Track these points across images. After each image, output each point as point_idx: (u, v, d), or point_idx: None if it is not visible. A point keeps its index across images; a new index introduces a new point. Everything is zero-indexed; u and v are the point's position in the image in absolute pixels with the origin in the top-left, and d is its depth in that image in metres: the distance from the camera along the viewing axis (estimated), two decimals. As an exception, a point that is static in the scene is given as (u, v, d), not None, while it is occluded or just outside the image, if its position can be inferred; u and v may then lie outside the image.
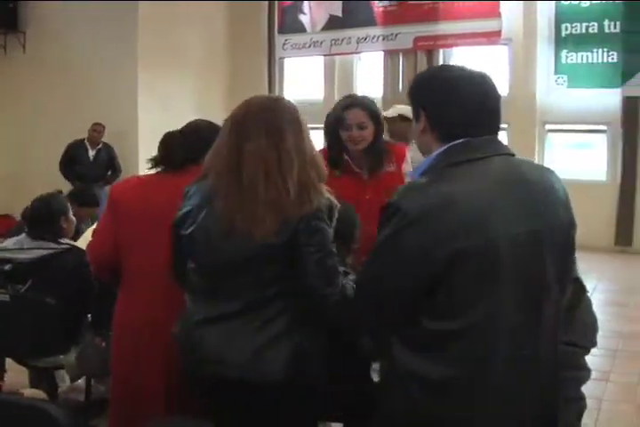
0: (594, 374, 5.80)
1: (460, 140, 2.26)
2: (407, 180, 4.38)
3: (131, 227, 3.43)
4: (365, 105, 4.34)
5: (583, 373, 3.37)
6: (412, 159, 4.42)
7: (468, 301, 2.13)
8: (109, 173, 11.92)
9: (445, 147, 2.27)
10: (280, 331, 2.74)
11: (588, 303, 3.42)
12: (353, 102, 4.37)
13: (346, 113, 4.33)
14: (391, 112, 6.65)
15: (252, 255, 2.71)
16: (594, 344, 3.44)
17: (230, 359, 2.74)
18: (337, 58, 14.43)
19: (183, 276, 2.96)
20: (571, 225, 2.35)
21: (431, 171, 2.27)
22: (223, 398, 2.85)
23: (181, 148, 3.48)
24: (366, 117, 4.31)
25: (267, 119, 2.79)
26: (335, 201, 2.79)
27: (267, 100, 2.94)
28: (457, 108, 2.28)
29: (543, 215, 2.23)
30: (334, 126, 4.41)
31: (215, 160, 2.82)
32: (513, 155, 2.36)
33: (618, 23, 12.21)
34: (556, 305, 2.29)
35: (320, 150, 4.47)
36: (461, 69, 2.39)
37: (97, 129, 11.85)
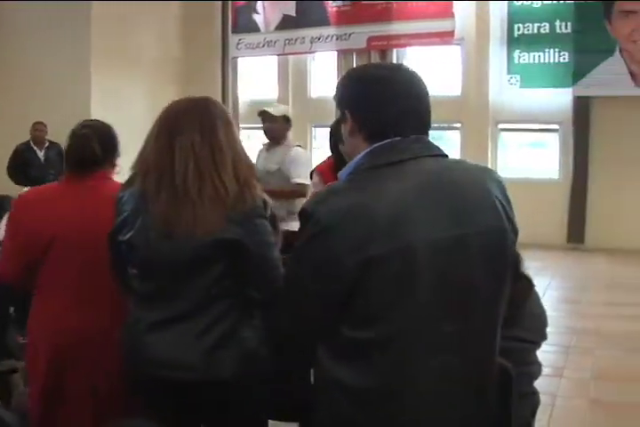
0: (548, 371, 5.89)
1: (384, 142, 2.15)
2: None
3: (40, 243, 3.27)
4: None
5: (534, 367, 3.41)
6: None
7: (385, 309, 2.04)
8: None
9: (369, 148, 2.17)
10: (228, 330, 2.74)
11: (537, 297, 3.45)
12: None
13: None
14: (275, 110, 6.55)
15: (196, 255, 2.69)
16: (544, 338, 3.48)
17: (181, 362, 2.71)
18: (291, 57, 14.46)
19: (126, 283, 2.93)
20: (505, 228, 2.19)
21: (354, 173, 2.18)
22: (172, 400, 2.82)
23: (95, 149, 3.41)
24: None
25: (198, 117, 2.78)
26: (267, 197, 2.81)
27: (196, 99, 2.91)
28: (382, 108, 2.17)
29: (471, 219, 2.11)
30: (334, 141, 4.31)
31: (146, 161, 2.79)
32: (445, 155, 2.24)
33: (569, 23, 12.40)
34: (490, 310, 2.19)
35: (326, 159, 4.43)
36: (388, 68, 2.31)
37: (38, 128, 11.56)
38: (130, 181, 2.84)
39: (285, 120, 6.49)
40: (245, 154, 2.89)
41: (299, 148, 6.71)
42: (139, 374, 2.84)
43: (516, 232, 2.25)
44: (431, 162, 2.17)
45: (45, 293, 3.31)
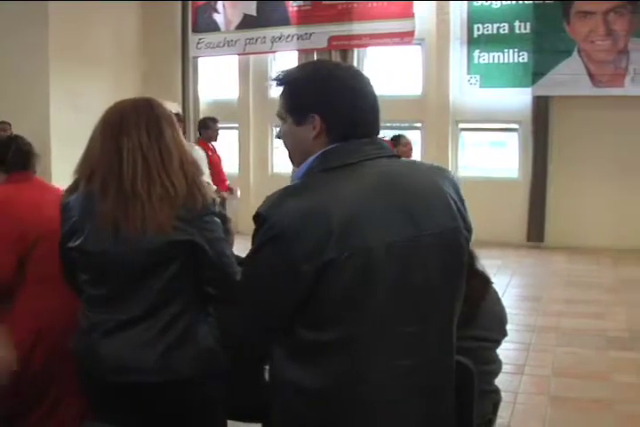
0: (509, 368, 5.94)
1: (336, 144, 2.13)
2: None
3: (26, 242, 3.27)
4: None
5: (494, 366, 3.44)
6: None
7: (342, 311, 2.02)
8: None
9: (322, 150, 2.14)
10: (184, 329, 2.74)
11: (495, 295, 3.48)
12: None
13: None
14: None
15: (149, 258, 2.69)
16: (504, 335, 3.51)
17: (138, 366, 2.71)
18: (251, 57, 14.40)
19: (77, 289, 2.91)
20: (459, 228, 2.18)
21: (306, 176, 2.16)
22: (130, 405, 2.80)
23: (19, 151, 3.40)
24: None
25: (144, 117, 2.78)
26: (216, 195, 2.86)
27: (138, 99, 2.90)
28: (331, 110, 2.14)
29: (426, 220, 2.10)
30: None
31: (90, 165, 2.77)
32: (397, 157, 2.25)
33: (528, 24, 12.48)
34: (448, 310, 2.20)
35: None
36: (337, 68, 2.24)
37: (2, 128, 11.51)
38: (74, 186, 2.81)
39: (178, 119, 6.37)
40: (191, 154, 2.90)
41: (197, 147, 6.64)
42: (96, 380, 2.82)
43: (469, 231, 2.25)
44: (385, 163, 2.16)
45: (30, 291, 3.30)
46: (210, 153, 9.97)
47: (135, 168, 2.69)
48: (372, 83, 2.22)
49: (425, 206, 2.12)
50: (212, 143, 10.34)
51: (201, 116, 14.47)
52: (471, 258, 3.25)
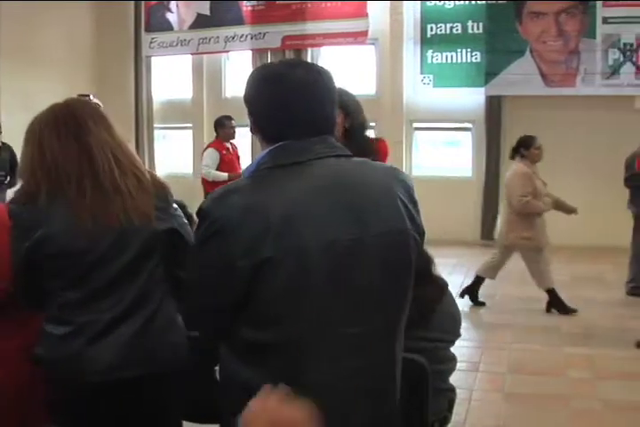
0: (464, 366, 5.98)
1: (284, 142, 2.13)
2: None
3: None
4: None
5: (449, 364, 3.45)
6: None
7: (281, 311, 2.02)
8: None
9: (268, 149, 2.15)
10: (168, 317, 2.75)
11: (451, 297, 3.49)
12: None
13: None
14: None
15: (135, 250, 2.69)
16: (458, 336, 3.53)
17: (130, 360, 2.69)
18: (205, 57, 14.34)
19: (38, 302, 2.80)
20: (406, 229, 2.16)
21: (253, 173, 2.16)
22: (108, 405, 2.74)
23: None
24: None
25: (98, 116, 2.79)
26: None
27: (81, 99, 2.97)
28: (278, 110, 2.14)
29: (371, 220, 2.09)
30: None
31: (49, 171, 2.68)
32: (350, 156, 2.22)
33: (481, 24, 12.59)
34: (393, 311, 2.19)
35: None
36: (290, 66, 2.22)
37: None
38: (30, 196, 2.69)
39: None
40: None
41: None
42: (79, 384, 2.73)
43: (420, 233, 2.24)
44: (334, 162, 2.15)
45: None
46: (224, 152, 9.91)
47: (110, 164, 2.69)
48: (328, 80, 2.20)
49: (372, 207, 2.11)
50: (232, 141, 10.36)
51: (154, 116, 14.42)
52: (428, 262, 3.27)
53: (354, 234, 2.06)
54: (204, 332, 2.29)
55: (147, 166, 2.91)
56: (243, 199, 2.02)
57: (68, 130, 2.73)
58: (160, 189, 2.78)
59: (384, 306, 2.15)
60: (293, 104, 2.13)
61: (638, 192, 8.87)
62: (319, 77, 2.18)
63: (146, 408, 2.79)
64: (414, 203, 2.22)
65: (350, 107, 3.98)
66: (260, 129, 2.20)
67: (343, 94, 3.72)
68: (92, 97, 6.00)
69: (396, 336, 2.21)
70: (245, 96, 2.23)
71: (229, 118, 10.20)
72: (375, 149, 4.10)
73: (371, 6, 12.84)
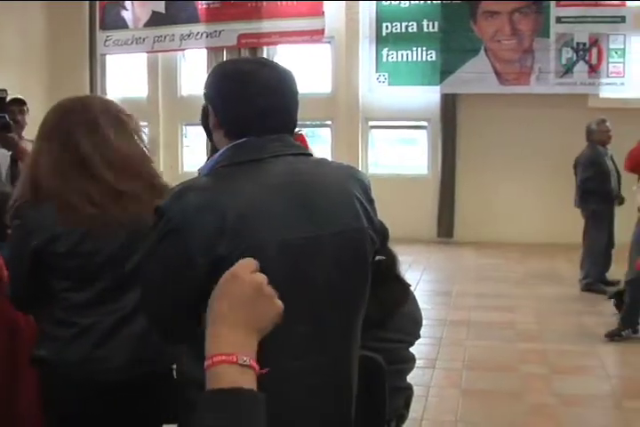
0: (421, 363, 6.01)
1: (244, 140, 2.13)
2: None
3: None
4: None
5: (408, 364, 3.47)
6: None
7: None
8: None
9: (228, 145, 2.14)
10: None
11: (413, 298, 3.51)
12: None
13: None
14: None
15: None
16: (417, 337, 3.55)
17: (141, 357, 2.71)
18: (160, 55, 14.25)
19: (34, 301, 2.80)
20: (363, 228, 2.16)
21: (211, 171, 2.15)
22: (111, 406, 2.73)
23: None
24: None
25: (111, 110, 2.80)
26: None
27: (89, 96, 2.91)
28: (240, 106, 2.14)
29: (327, 219, 2.09)
30: None
31: (54, 171, 2.69)
32: (308, 155, 2.23)
33: (436, 23, 12.67)
34: (349, 310, 2.19)
35: None
36: (253, 63, 2.24)
37: None
38: (33, 197, 2.70)
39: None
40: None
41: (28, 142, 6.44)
42: (87, 385, 2.72)
43: (378, 231, 2.24)
44: (291, 161, 2.14)
45: None
46: None
47: (116, 167, 2.70)
48: (292, 81, 2.20)
49: (329, 205, 2.11)
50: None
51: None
52: (393, 262, 3.28)
53: (309, 233, 2.06)
54: (160, 331, 2.27)
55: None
56: (198, 198, 2.01)
57: (87, 127, 2.74)
58: (166, 190, 2.69)
59: (339, 305, 2.13)
60: (258, 101, 2.12)
61: (590, 193, 8.97)
62: (284, 77, 2.18)
63: (152, 407, 2.80)
64: (371, 201, 2.22)
65: None
66: (223, 125, 2.17)
67: None
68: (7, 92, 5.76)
69: (352, 335, 2.21)
70: (208, 93, 2.22)
71: None
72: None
73: (327, 5, 12.86)
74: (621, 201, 8.99)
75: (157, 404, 2.79)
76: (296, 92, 2.21)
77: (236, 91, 2.14)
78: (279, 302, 1.46)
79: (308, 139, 4.58)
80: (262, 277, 1.43)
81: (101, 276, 2.71)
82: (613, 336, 6.95)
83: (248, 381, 1.37)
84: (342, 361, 2.20)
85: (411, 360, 3.48)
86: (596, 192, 8.92)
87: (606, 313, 7.98)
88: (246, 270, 1.43)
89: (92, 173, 2.67)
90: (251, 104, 2.12)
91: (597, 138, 8.98)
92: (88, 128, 2.72)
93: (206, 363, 1.37)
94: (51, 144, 2.74)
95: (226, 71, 2.23)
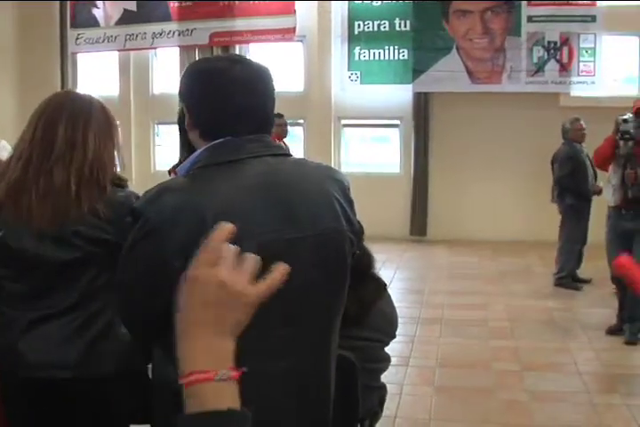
0: (394, 361, 6.02)
1: (221, 140, 2.10)
2: None
3: None
4: None
5: (382, 364, 3.48)
6: None
7: None
8: None
9: (206, 146, 2.12)
10: (104, 326, 2.71)
11: (388, 297, 3.51)
12: None
13: None
14: None
15: (70, 252, 2.65)
16: (392, 337, 3.55)
17: (57, 361, 2.65)
18: (132, 53, 14.16)
19: None
20: (342, 229, 2.16)
21: (188, 172, 2.13)
22: (49, 401, 2.73)
23: None
24: None
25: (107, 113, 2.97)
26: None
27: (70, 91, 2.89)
28: (215, 106, 2.11)
29: (306, 221, 2.08)
30: None
31: (20, 150, 2.72)
32: (286, 155, 2.22)
33: (408, 22, 12.70)
34: (327, 312, 2.19)
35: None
36: (228, 61, 2.19)
37: None
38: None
39: None
40: None
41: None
42: (14, 378, 2.73)
43: (356, 233, 2.24)
44: (269, 162, 2.12)
45: None
46: None
47: (54, 167, 2.69)
48: (267, 78, 2.18)
49: (307, 206, 2.10)
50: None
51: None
52: (369, 261, 3.29)
53: (289, 234, 2.05)
54: (134, 332, 2.26)
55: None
56: (176, 199, 2.00)
57: (74, 119, 2.79)
58: (115, 200, 2.69)
59: (317, 306, 2.14)
60: (234, 100, 2.10)
61: (568, 189, 9.06)
62: (259, 74, 2.16)
63: (80, 412, 2.75)
64: (350, 202, 2.22)
65: None
66: (199, 125, 2.15)
67: None
68: None
69: (331, 336, 2.21)
70: (182, 92, 2.19)
71: (280, 116, 8.94)
72: None
73: (298, 3, 12.87)
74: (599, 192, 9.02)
75: (89, 409, 2.76)
76: (272, 90, 2.18)
77: (209, 90, 2.11)
78: (250, 290, 1.36)
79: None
80: (224, 272, 1.32)
81: (33, 272, 2.69)
82: (613, 332, 7.06)
83: (229, 396, 1.26)
84: (322, 362, 2.20)
85: (385, 360, 3.49)
86: (572, 188, 9.06)
87: (577, 310, 8.07)
88: (205, 266, 1.32)
89: (49, 168, 2.66)
90: (225, 103, 2.10)
91: (572, 136, 9.06)
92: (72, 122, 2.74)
93: (181, 381, 1.26)
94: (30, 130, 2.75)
95: (198, 70, 2.21)
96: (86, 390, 2.71)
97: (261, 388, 2.02)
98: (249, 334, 2.03)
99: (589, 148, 8.93)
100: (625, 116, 6.62)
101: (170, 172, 4.26)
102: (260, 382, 2.01)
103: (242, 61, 2.18)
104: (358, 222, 2.31)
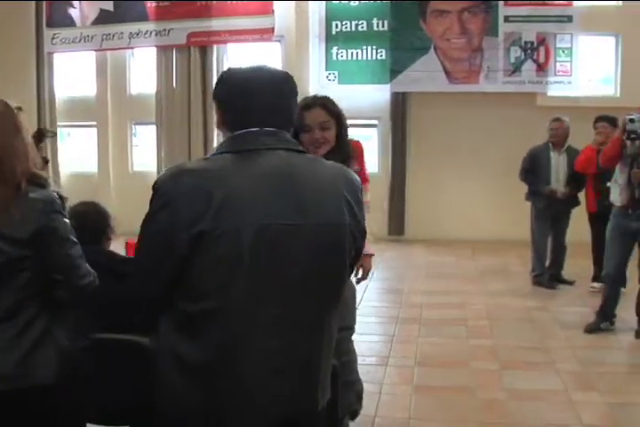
0: (374, 360, 6.05)
1: (240, 132, 2.30)
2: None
3: None
4: (326, 104, 4.14)
5: (351, 355, 3.48)
6: None
7: (212, 286, 2.17)
8: None
9: (226, 137, 2.35)
10: (42, 332, 2.67)
11: (349, 285, 3.47)
12: (312, 102, 4.15)
13: (305, 114, 4.08)
14: None
15: (11, 256, 2.61)
16: (354, 321, 3.55)
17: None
18: (109, 53, 14.07)
19: None
20: (344, 223, 2.30)
21: (209, 156, 2.36)
22: None
23: None
24: (327, 116, 4.14)
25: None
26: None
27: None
28: (238, 105, 2.33)
29: (311, 211, 2.23)
30: (294, 131, 4.17)
31: None
32: (301, 152, 2.38)
33: (386, 22, 12.72)
34: (323, 300, 2.31)
35: None
36: (250, 70, 2.41)
37: None
38: None
39: None
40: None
41: None
42: None
43: (361, 230, 2.40)
44: (283, 154, 2.30)
45: None
46: None
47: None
48: (294, 86, 2.41)
49: (314, 198, 2.26)
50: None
51: (58, 114, 14.07)
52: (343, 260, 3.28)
53: (292, 220, 2.20)
54: (144, 299, 2.39)
55: (50, 165, 2.82)
56: (192, 178, 2.19)
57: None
58: (26, 199, 2.64)
59: (313, 293, 2.27)
60: (255, 98, 2.31)
61: (532, 186, 9.14)
62: (287, 79, 2.40)
63: (23, 422, 2.70)
64: (359, 202, 2.38)
65: (341, 115, 4.29)
66: (224, 121, 2.38)
67: (333, 104, 4.25)
68: None
69: (325, 322, 2.34)
70: (216, 92, 2.40)
71: None
72: (356, 152, 4.45)
73: (276, 4, 12.86)
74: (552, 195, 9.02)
75: (34, 418, 2.71)
76: (294, 93, 2.41)
77: (239, 89, 2.34)
78: None
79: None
80: None
81: None
82: (592, 330, 7.10)
83: None
84: (315, 345, 2.33)
85: (352, 352, 3.48)
86: (529, 186, 9.23)
87: (555, 309, 8.10)
88: None
89: None
90: (248, 102, 2.32)
91: (549, 135, 9.10)
92: None
93: None
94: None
95: (230, 74, 2.42)
96: (26, 401, 2.65)
97: (258, 362, 2.21)
98: (243, 311, 2.16)
99: (573, 146, 8.96)
100: (632, 116, 6.60)
101: None
102: (256, 358, 2.21)
103: (265, 67, 2.43)
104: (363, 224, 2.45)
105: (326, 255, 2.28)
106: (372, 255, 4.65)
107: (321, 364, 2.35)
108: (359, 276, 4.52)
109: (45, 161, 5.29)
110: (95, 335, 3.06)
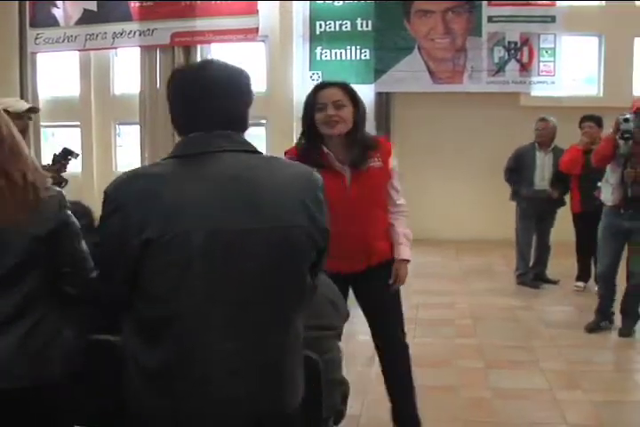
0: (361, 360, 6.02)
1: (190, 135, 2.32)
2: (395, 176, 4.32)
3: None
4: (342, 85, 4.06)
5: (332, 354, 3.45)
6: None
7: (165, 291, 2.17)
8: None
9: (180, 140, 2.36)
10: (51, 331, 2.66)
11: (328, 282, 3.46)
12: (326, 83, 4.12)
13: (319, 93, 4.05)
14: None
15: (24, 255, 2.58)
16: (343, 320, 3.54)
17: (8, 370, 2.57)
18: (93, 53, 14.03)
19: None
20: (302, 225, 2.28)
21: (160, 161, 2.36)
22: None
23: None
24: (343, 96, 4.02)
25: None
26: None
27: None
28: (185, 107, 2.34)
29: (264, 215, 2.22)
30: (309, 113, 4.07)
31: None
32: (256, 152, 2.36)
33: (370, 22, 12.73)
34: (283, 304, 2.30)
35: (286, 152, 4.28)
36: (200, 67, 2.42)
37: None
38: None
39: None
40: None
41: None
42: None
43: (321, 230, 2.35)
44: (239, 157, 2.28)
45: None
46: None
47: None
48: (240, 80, 2.42)
49: (270, 200, 2.23)
50: None
51: (41, 114, 13.98)
52: (303, 262, 3.26)
53: (244, 224, 2.19)
54: (105, 300, 2.43)
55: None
56: (141, 184, 2.19)
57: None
58: (45, 193, 2.63)
59: (269, 295, 2.25)
60: (202, 100, 2.29)
61: (515, 186, 9.20)
62: (231, 77, 2.38)
63: (22, 420, 2.69)
64: (318, 202, 2.34)
65: (359, 98, 4.13)
66: (176, 124, 2.39)
67: (351, 87, 4.08)
68: None
69: (289, 323, 2.34)
70: (167, 96, 2.40)
71: None
72: (378, 147, 4.25)
73: (261, 4, 12.86)
74: (557, 200, 9.05)
75: (33, 417, 2.70)
76: (245, 92, 2.43)
77: (183, 91, 2.34)
78: None
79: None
80: None
81: None
82: (592, 329, 7.11)
83: None
84: (275, 347, 2.30)
85: (334, 350, 3.46)
86: (513, 186, 9.27)
87: (540, 308, 8.13)
88: None
89: None
90: (195, 105, 2.30)
91: (535, 135, 9.12)
92: None
93: None
94: None
95: (173, 76, 2.41)
96: (27, 399, 2.64)
97: (215, 364, 2.20)
98: (199, 312, 2.16)
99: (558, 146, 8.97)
100: (626, 116, 6.60)
101: (286, 153, 4.24)
102: (211, 359, 2.20)
103: (213, 66, 2.40)
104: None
105: (285, 254, 2.26)
106: (407, 261, 4.56)
107: (286, 364, 2.33)
108: (390, 281, 4.48)
109: (61, 181, 5.20)
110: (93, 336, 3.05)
